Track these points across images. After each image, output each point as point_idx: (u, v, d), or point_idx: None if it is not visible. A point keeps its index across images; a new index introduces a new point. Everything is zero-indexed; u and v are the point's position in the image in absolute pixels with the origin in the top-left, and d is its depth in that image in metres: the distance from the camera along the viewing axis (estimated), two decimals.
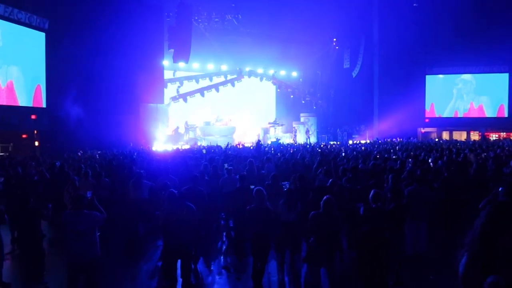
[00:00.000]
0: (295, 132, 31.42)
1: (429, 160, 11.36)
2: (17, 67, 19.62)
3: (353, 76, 32.82)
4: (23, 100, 19.96)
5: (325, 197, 5.58)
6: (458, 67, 33.36)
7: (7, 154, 18.27)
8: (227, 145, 19.86)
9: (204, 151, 16.65)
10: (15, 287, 5.87)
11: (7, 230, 7.65)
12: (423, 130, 35.25)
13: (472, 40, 29.13)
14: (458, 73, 34.07)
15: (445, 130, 34.68)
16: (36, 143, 21.18)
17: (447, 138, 32.67)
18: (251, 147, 19.66)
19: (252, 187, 7.02)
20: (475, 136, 32.30)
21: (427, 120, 34.54)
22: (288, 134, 31.65)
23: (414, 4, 28.82)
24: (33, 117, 20.24)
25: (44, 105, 21.01)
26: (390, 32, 29.99)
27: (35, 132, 21.28)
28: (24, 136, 21.08)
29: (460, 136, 33.03)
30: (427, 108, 34.68)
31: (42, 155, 17.15)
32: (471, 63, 32.59)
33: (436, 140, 29.38)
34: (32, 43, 20.44)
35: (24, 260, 5.79)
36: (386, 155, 13.17)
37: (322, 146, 21.59)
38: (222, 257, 7.68)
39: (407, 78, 32.38)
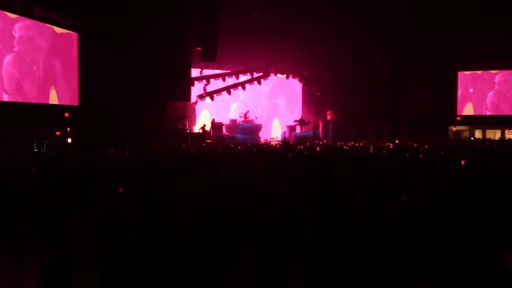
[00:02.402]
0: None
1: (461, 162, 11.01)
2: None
3: (381, 73, 32.15)
4: (56, 98, 20.66)
5: (358, 195, 5.52)
6: (492, 63, 32.05)
7: (42, 150, 18.99)
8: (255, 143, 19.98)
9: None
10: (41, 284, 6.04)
11: None
12: (454, 129, 34.18)
13: (508, 35, 27.96)
14: (493, 69, 32.80)
15: (478, 128, 33.51)
16: (69, 140, 21.89)
17: (480, 136, 31.58)
18: (278, 146, 19.64)
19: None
20: (510, 134, 31.07)
21: (458, 118, 33.46)
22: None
23: None
24: (66, 115, 20.92)
25: (77, 103, 21.68)
26: (421, 26, 29.20)
27: (68, 129, 22.00)
28: (57, 133, 21.82)
29: (494, 134, 31.86)
30: (459, 106, 33.58)
31: (74, 152, 17.74)
32: (507, 58, 31.22)
33: (472, 139, 28.47)
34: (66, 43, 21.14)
35: (53, 257, 5.94)
36: (415, 155, 12.89)
37: (350, 145, 21.32)
38: (250, 257, 7.70)
39: (438, 75, 31.45)
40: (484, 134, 32.69)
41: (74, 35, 21.43)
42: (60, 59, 20.78)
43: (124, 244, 5.19)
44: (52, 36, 20.17)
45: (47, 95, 20.10)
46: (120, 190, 5.79)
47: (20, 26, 18.34)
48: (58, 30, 20.52)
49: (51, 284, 5.88)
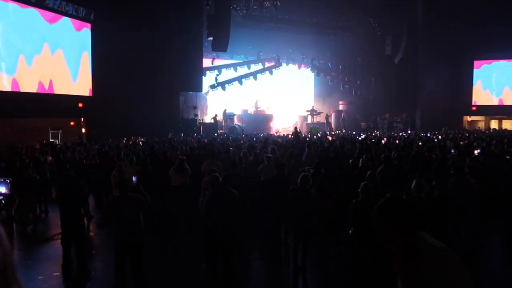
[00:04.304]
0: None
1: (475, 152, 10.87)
2: (65, 57, 20.52)
3: (395, 63, 31.68)
4: (70, 88, 20.88)
5: (362, 184, 5.51)
6: (509, 51, 31.20)
7: (52, 140, 19.34)
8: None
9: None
10: (57, 269, 6.16)
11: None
12: (469, 119, 33.60)
13: None
14: (509, 58, 31.96)
15: (494, 119, 32.88)
16: (83, 130, 22.20)
17: (496, 127, 31.00)
18: (290, 136, 19.60)
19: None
20: None
21: (474, 108, 32.84)
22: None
23: None
24: (80, 105, 21.16)
25: (90, 94, 21.90)
26: (435, 15, 28.60)
27: (82, 119, 22.29)
28: (72, 123, 22.15)
29: (511, 125, 31.26)
30: (475, 95, 32.91)
31: (88, 142, 17.99)
32: None
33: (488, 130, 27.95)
34: (79, 34, 21.30)
35: (66, 243, 6.03)
36: (430, 144, 12.78)
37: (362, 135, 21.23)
38: (260, 244, 7.77)
39: (453, 64, 30.80)
40: (500, 124, 32.07)
41: (87, 26, 21.59)
42: (73, 50, 20.97)
43: (137, 231, 5.27)
44: (66, 27, 20.35)
45: (61, 85, 20.32)
46: (134, 179, 5.84)
47: (34, 18, 18.53)
48: (72, 21, 20.68)
49: (69, 269, 6.02)
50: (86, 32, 21.61)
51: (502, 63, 32.34)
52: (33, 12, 18.51)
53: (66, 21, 20.35)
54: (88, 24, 21.62)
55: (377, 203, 2.29)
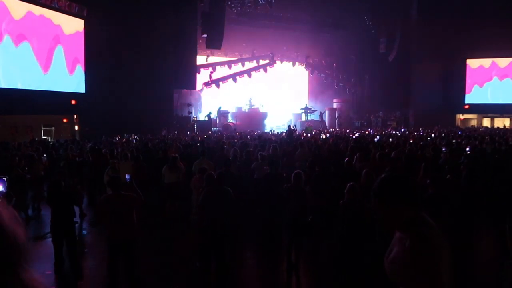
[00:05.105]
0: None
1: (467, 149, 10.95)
2: (59, 52, 20.35)
3: (389, 61, 31.78)
4: (64, 86, 20.71)
5: (348, 185, 5.50)
6: (502, 50, 31.45)
7: (49, 137, 19.18)
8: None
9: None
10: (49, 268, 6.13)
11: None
12: (462, 117, 33.84)
13: None
14: (502, 57, 32.19)
15: (486, 117, 33.16)
16: (76, 127, 22.04)
17: (488, 125, 31.27)
18: (284, 134, 19.62)
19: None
20: None
21: (466, 107, 33.08)
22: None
23: None
24: (73, 102, 21.00)
25: (83, 91, 21.73)
26: (429, 14, 28.72)
27: (75, 116, 22.12)
28: (65, 120, 21.98)
29: (503, 123, 31.53)
30: (467, 94, 33.13)
31: (81, 139, 17.87)
32: None
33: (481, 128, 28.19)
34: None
35: (57, 241, 5.98)
36: (422, 143, 12.86)
37: (356, 133, 21.29)
38: (254, 241, 7.78)
39: (446, 63, 31.02)
40: (492, 122, 32.35)
41: (80, 22, 21.42)
42: (66, 46, 20.79)
43: (130, 228, 5.26)
44: (59, 24, 20.17)
45: (54, 82, 20.15)
46: (127, 176, 5.81)
47: (28, 15, 18.35)
48: (65, 17, 20.50)
49: (61, 267, 5.99)
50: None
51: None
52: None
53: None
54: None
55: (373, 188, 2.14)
